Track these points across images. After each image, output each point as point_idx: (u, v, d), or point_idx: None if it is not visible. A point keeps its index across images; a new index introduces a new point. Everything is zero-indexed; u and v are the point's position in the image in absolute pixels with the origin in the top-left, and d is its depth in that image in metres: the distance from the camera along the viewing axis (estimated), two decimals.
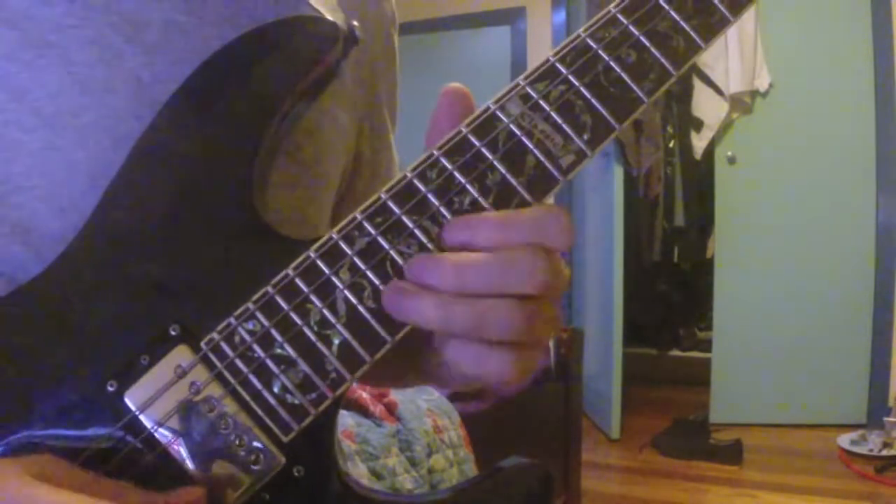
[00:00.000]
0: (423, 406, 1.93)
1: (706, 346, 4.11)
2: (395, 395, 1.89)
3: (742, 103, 3.53)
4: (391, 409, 1.84)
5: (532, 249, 0.39)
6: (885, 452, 3.06)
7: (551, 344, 2.54)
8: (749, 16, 3.35)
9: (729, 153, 3.58)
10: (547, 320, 0.41)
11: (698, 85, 3.63)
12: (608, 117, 0.42)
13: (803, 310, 3.54)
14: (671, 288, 4.70)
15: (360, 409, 1.78)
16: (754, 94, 3.51)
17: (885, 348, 3.43)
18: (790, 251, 3.56)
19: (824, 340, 3.51)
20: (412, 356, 0.46)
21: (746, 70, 3.41)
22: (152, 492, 0.38)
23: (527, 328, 0.39)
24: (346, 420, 1.72)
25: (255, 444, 0.41)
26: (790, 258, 3.56)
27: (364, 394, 1.82)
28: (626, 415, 3.59)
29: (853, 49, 3.41)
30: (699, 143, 3.67)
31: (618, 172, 3.46)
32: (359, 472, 1.60)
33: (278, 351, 0.41)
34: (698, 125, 3.66)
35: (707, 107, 3.60)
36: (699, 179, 4.14)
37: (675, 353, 4.64)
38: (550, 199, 0.42)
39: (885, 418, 3.19)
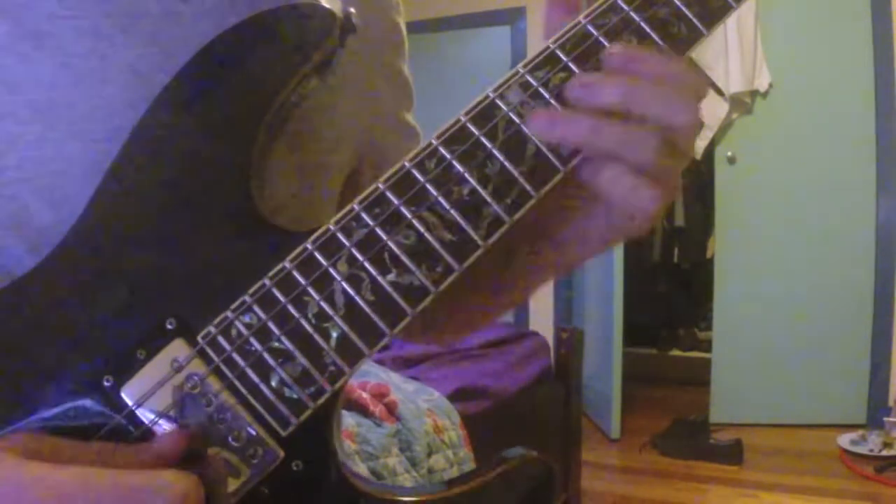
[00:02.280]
0: (423, 406, 1.93)
1: (706, 346, 4.11)
2: (395, 394, 1.88)
3: (742, 103, 3.53)
4: (391, 409, 1.84)
5: (689, 91, 0.41)
6: (885, 452, 3.05)
7: (551, 344, 2.54)
8: (749, 15, 3.35)
9: (729, 153, 3.57)
10: (678, 156, 0.42)
11: None
12: None
13: (803, 310, 3.54)
14: (671, 288, 4.70)
15: (360, 409, 1.78)
16: (754, 94, 3.51)
17: (885, 348, 3.43)
18: (790, 251, 3.55)
19: (824, 340, 3.51)
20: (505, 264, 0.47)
21: (746, 70, 3.41)
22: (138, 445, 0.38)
23: (663, 158, 0.40)
24: (346, 420, 1.72)
25: (254, 437, 0.40)
26: (790, 258, 3.55)
27: (364, 394, 1.81)
28: (626, 415, 3.59)
29: (853, 49, 3.41)
30: (699, 143, 3.66)
31: None
32: (358, 472, 1.59)
33: (276, 344, 0.40)
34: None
35: (707, 107, 3.59)
36: (699, 179, 4.14)
37: (675, 353, 4.64)
38: None
39: (885, 418, 3.18)
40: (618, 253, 3.46)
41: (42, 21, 0.43)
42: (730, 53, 3.42)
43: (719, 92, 3.52)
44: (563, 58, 0.42)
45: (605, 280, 3.52)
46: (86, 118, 0.44)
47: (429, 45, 4.26)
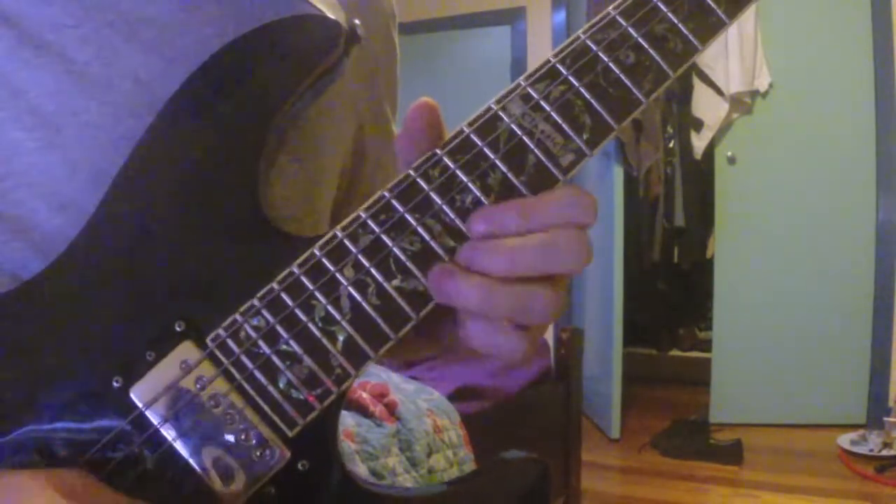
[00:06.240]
0: (423, 406, 1.93)
1: (706, 346, 4.12)
2: (395, 395, 1.89)
3: (742, 103, 3.53)
4: (391, 409, 1.84)
5: (574, 229, 0.40)
6: (885, 452, 3.06)
7: (551, 344, 2.54)
8: (749, 16, 3.36)
9: (729, 153, 3.58)
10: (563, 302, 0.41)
11: (698, 85, 3.63)
12: (607, 117, 0.42)
13: (803, 309, 3.54)
14: (671, 288, 4.70)
15: (360, 409, 1.79)
16: (754, 94, 3.52)
17: (885, 348, 3.44)
18: (790, 251, 3.56)
19: (824, 340, 3.51)
20: (426, 328, 0.46)
21: (746, 70, 3.42)
22: None
23: (557, 311, 0.40)
24: (346, 420, 1.72)
25: (261, 438, 0.41)
26: (790, 258, 3.56)
27: (364, 394, 1.82)
28: (626, 415, 3.59)
29: (853, 49, 3.41)
30: (699, 143, 3.67)
31: (618, 172, 3.47)
32: (358, 472, 1.60)
33: (284, 347, 0.41)
34: (698, 125, 3.66)
35: (707, 107, 3.60)
36: (699, 179, 4.14)
37: (675, 353, 4.65)
38: None
39: (885, 418, 3.19)
40: (618, 253, 3.46)
41: (45, 29, 0.44)
42: (730, 53, 3.43)
43: (719, 92, 3.53)
44: (564, 71, 0.43)
45: (605, 280, 3.52)
46: (90, 125, 0.44)
47: (429, 45, 4.26)
